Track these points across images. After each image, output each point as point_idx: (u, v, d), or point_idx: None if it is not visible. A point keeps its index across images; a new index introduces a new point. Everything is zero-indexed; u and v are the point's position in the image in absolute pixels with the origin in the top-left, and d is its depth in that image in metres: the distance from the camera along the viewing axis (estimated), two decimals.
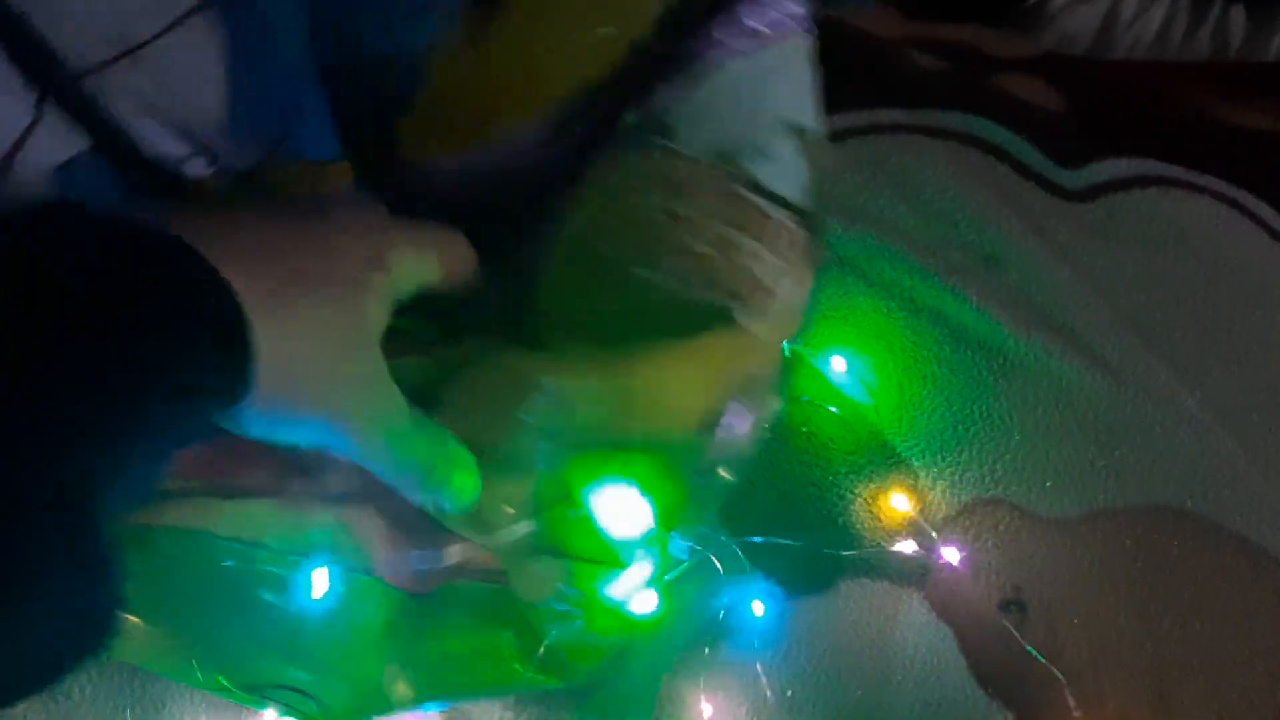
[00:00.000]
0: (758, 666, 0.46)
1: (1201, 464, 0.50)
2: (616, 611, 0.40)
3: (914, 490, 0.49)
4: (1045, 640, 0.47)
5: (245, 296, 0.29)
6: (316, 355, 0.31)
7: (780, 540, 0.44)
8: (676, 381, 0.38)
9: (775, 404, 0.44)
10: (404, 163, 0.43)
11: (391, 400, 0.34)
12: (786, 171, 0.43)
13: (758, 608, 0.46)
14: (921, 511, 0.48)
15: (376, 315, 0.33)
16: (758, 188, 0.41)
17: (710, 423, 0.39)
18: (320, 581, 0.38)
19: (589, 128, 0.43)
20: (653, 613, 0.42)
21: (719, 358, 0.39)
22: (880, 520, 0.48)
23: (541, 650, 0.39)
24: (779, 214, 0.41)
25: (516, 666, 0.40)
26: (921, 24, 0.58)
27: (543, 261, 0.42)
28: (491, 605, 0.40)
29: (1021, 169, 0.54)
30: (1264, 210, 0.54)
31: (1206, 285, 0.53)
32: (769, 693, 0.46)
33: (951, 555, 0.47)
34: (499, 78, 0.42)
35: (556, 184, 0.43)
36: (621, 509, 0.39)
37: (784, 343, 0.42)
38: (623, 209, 0.41)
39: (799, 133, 0.43)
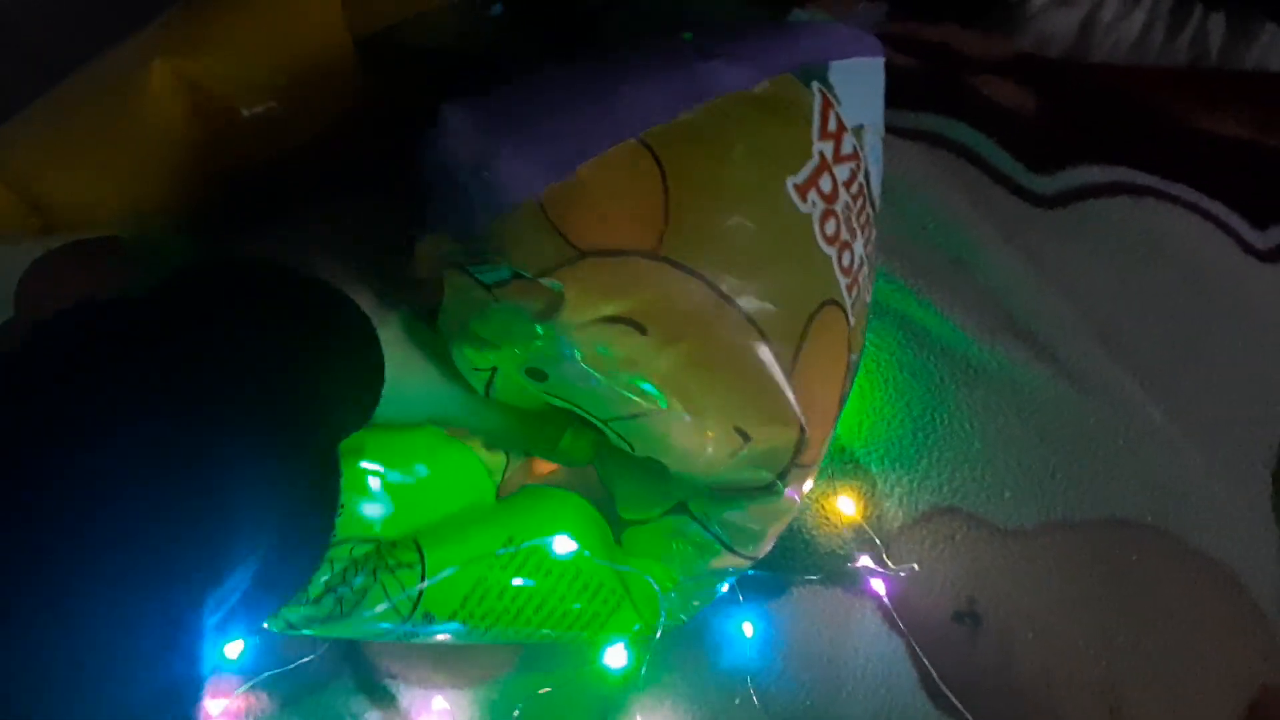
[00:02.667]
0: (704, 676, 0.45)
1: (1164, 477, 0.49)
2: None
3: (871, 498, 0.48)
4: (999, 652, 0.46)
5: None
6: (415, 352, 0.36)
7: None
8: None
9: None
10: None
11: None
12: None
13: (747, 629, 0.45)
14: (877, 520, 0.47)
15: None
16: None
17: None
18: None
19: None
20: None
21: None
22: (835, 527, 0.47)
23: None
24: None
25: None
26: (897, 22, 0.56)
27: None
28: None
29: (993, 173, 0.53)
30: (1235, 221, 0.53)
31: (1176, 296, 0.52)
32: (713, 700, 0.45)
33: (905, 569, 0.46)
34: None
35: None
36: None
37: None
38: None
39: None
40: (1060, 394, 0.50)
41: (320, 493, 0.30)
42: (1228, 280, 0.53)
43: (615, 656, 0.44)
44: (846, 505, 0.47)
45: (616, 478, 0.43)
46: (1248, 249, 0.53)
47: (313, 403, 0.30)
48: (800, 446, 0.36)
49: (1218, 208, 0.53)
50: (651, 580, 0.41)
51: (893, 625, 0.46)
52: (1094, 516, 0.48)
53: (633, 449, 0.37)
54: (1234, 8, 0.60)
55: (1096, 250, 0.52)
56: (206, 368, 0.27)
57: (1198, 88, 0.58)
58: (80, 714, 0.21)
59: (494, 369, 0.37)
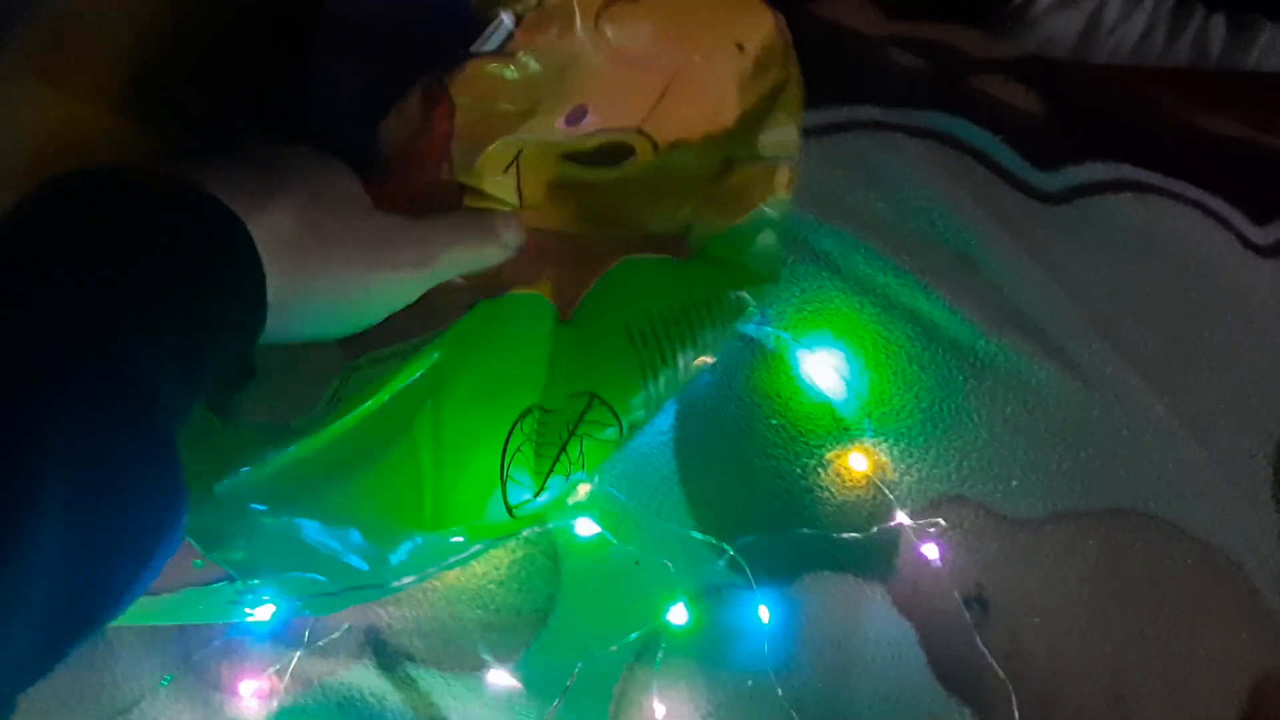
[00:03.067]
0: (718, 659, 0.46)
1: (1166, 468, 0.50)
2: None
3: (880, 484, 0.49)
4: (1005, 638, 0.47)
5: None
6: (318, 231, 0.34)
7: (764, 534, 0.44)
8: None
9: None
10: None
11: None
12: None
13: (764, 613, 0.46)
14: (886, 507, 0.48)
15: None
16: None
17: None
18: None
19: None
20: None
21: None
22: (846, 511, 0.48)
23: None
24: None
25: None
26: (903, 22, 0.58)
27: None
28: None
29: (998, 170, 0.54)
30: (1236, 218, 0.54)
31: (1178, 291, 0.53)
32: (727, 684, 0.46)
33: (930, 550, 0.47)
34: None
35: None
36: None
37: None
38: None
39: None
40: (1065, 386, 0.51)
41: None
42: (1228, 274, 0.54)
43: (677, 614, 0.45)
44: (853, 460, 0.49)
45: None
46: (1247, 244, 0.54)
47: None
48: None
49: (1218, 204, 0.54)
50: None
51: (904, 611, 0.47)
52: (1098, 506, 0.49)
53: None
54: (1234, 9, 0.61)
55: (1100, 245, 0.54)
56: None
57: (1199, 88, 0.60)
58: None
59: (519, 150, 0.39)
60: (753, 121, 0.45)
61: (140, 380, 0.27)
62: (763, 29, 0.43)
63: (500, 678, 0.45)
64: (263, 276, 0.32)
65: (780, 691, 0.45)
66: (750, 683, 0.46)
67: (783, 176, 0.45)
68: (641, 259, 0.44)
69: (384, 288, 0.37)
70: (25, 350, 0.25)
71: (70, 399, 0.25)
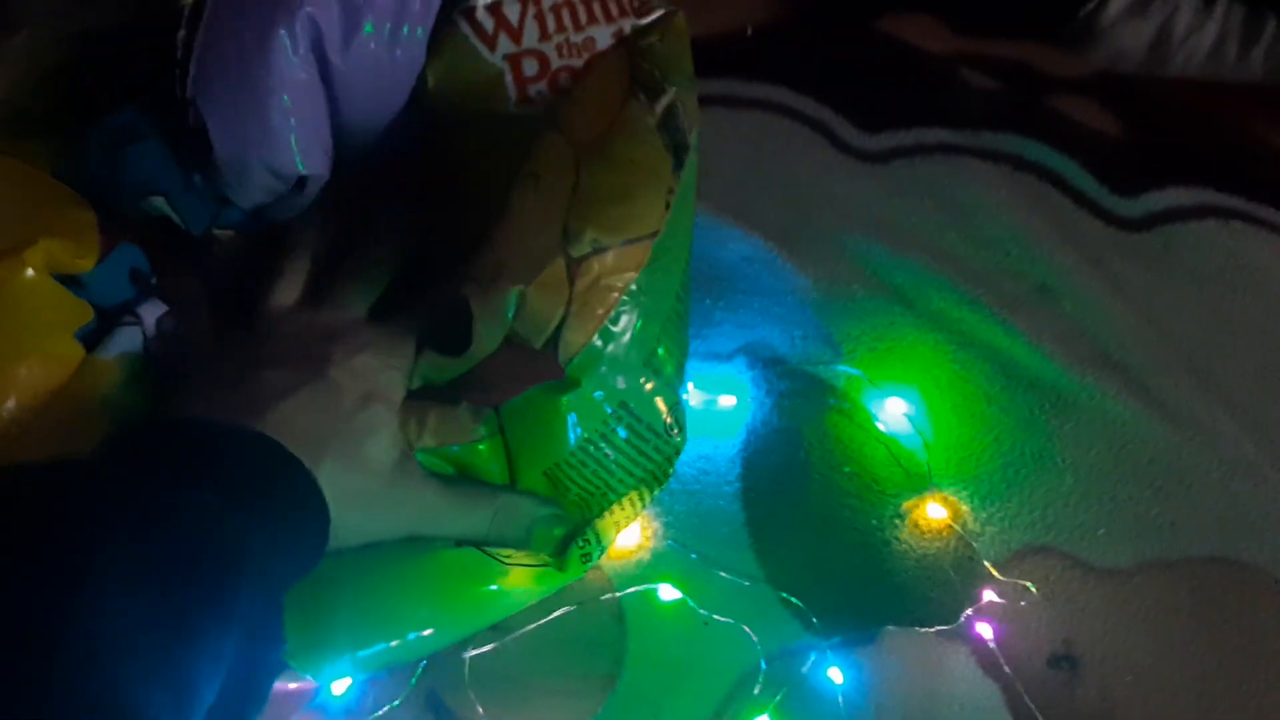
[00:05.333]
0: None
1: (1259, 512, 0.48)
2: None
3: (961, 536, 0.46)
4: (1098, 697, 0.45)
5: None
6: (353, 499, 0.36)
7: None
8: None
9: None
10: None
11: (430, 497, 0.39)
12: None
13: (835, 675, 0.43)
14: (969, 561, 0.46)
15: (387, 440, 0.38)
16: None
17: None
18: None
19: None
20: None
21: None
22: (926, 568, 0.46)
23: None
24: None
25: None
26: (971, 39, 0.55)
27: None
28: None
29: (1076, 195, 0.52)
30: None
31: (1266, 323, 0.51)
32: None
33: (1013, 608, 0.44)
34: None
35: None
36: None
37: None
38: None
39: None
40: (1151, 426, 0.48)
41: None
42: None
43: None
44: (938, 521, 0.45)
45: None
46: None
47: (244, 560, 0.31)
48: None
49: None
50: None
51: (988, 670, 0.44)
52: (1190, 554, 0.47)
53: None
54: None
55: (1183, 275, 0.51)
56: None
57: (1275, 104, 0.57)
58: None
59: None
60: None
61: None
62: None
63: None
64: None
65: None
66: None
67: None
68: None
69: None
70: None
71: None
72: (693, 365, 0.45)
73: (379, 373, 0.39)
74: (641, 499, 0.41)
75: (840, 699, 0.44)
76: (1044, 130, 0.52)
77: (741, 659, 0.44)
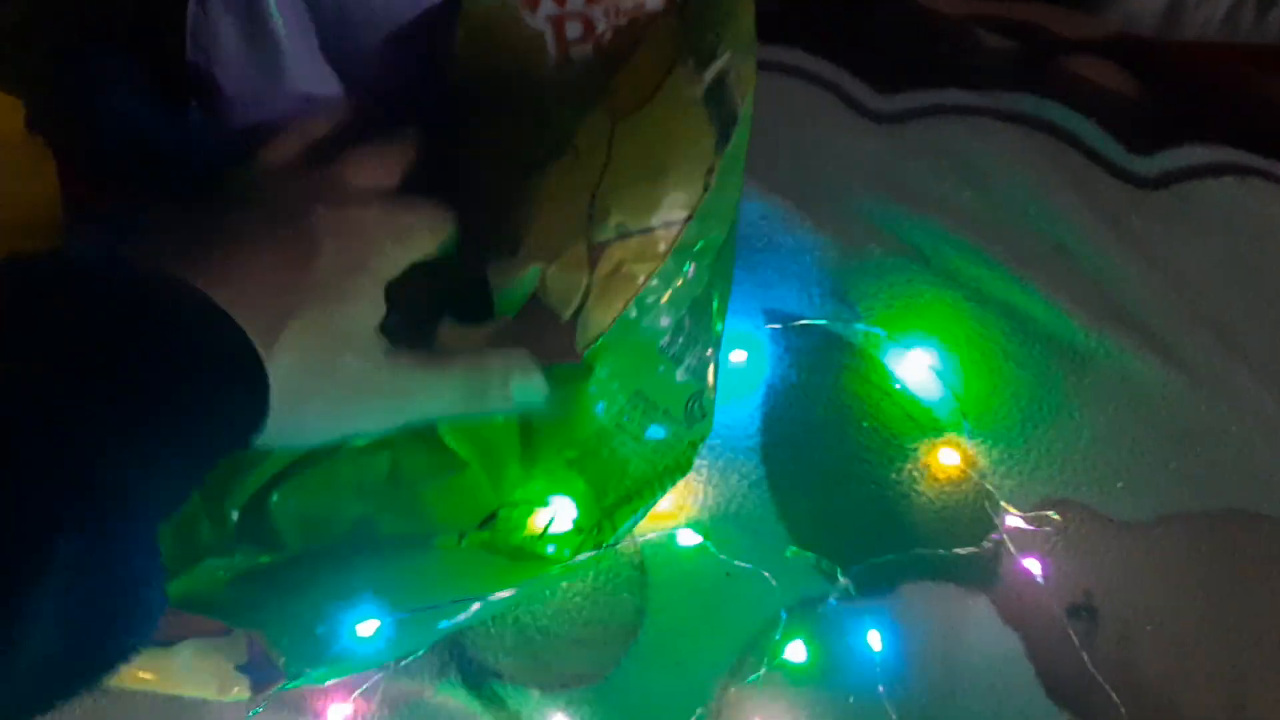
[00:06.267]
0: (817, 675, 0.44)
1: (1278, 466, 0.48)
2: None
3: (980, 490, 0.46)
4: (1117, 648, 0.45)
5: (249, 329, 0.31)
6: (320, 370, 0.33)
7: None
8: None
9: None
10: None
11: (400, 382, 0.36)
12: None
13: (874, 640, 0.44)
14: (988, 511, 0.46)
15: (367, 312, 0.35)
16: None
17: None
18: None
19: None
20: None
21: None
22: (946, 518, 0.46)
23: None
24: None
25: None
26: (986, 0, 0.55)
27: None
28: None
29: (1093, 155, 0.52)
30: None
31: None
32: (827, 701, 0.44)
33: (1032, 565, 0.45)
34: None
35: None
36: None
37: None
38: None
39: None
40: (1170, 382, 0.48)
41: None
42: None
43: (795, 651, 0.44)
44: (954, 468, 0.46)
45: None
46: None
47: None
48: None
49: None
50: None
51: (1009, 619, 0.45)
52: (1209, 508, 0.47)
53: None
54: None
55: (1202, 232, 0.51)
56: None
57: None
58: None
59: None
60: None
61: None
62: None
63: (586, 693, 0.43)
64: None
65: (889, 708, 0.43)
66: (851, 699, 0.44)
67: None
68: None
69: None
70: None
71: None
72: None
73: (374, 249, 0.35)
74: (661, 486, 0.41)
75: (862, 647, 0.44)
76: (1060, 90, 0.52)
77: (762, 607, 0.44)
